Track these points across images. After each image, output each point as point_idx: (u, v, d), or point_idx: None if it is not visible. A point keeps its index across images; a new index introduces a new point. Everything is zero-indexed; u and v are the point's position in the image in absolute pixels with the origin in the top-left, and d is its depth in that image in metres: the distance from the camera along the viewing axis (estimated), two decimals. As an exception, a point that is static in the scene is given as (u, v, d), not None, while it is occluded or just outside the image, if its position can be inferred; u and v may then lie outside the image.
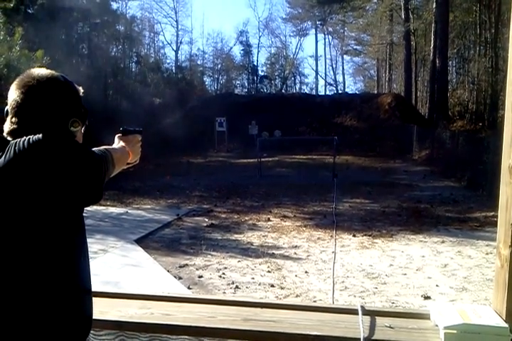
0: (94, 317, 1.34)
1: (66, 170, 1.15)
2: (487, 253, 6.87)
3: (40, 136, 1.16)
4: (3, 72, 12.00)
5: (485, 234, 7.94)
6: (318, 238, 8.01)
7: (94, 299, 1.35)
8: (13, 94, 1.27)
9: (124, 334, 1.61)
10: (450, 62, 29.99)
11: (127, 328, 1.60)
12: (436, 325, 1.50)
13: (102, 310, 1.60)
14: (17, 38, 13.21)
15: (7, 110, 1.28)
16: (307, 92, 37.73)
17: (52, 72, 1.34)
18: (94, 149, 1.31)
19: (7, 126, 1.27)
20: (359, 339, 1.43)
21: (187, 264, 6.62)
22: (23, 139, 1.16)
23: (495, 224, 1.59)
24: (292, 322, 1.56)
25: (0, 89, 10.53)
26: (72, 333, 1.23)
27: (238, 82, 45.49)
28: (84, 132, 1.41)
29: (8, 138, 1.24)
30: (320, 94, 38.18)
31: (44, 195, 1.14)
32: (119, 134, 1.63)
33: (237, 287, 5.69)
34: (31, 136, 1.16)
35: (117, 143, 1.60)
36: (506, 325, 1.41)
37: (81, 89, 1.40)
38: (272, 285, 5.73)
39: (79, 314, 1.26)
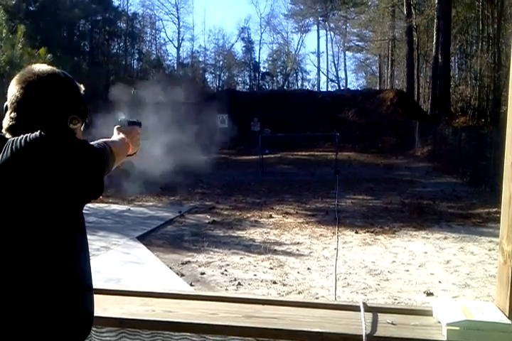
0: (95, 314, 1.33)
1: (64, 167, 1.15)
2: (490, 250, 6.86)
3: (37, 133, 1.15)
4: (5, 70, 12.00)
5: (488, 230, 7.92)
6: (321, 234, 8.00)
7: (95, 296, 1.35)
8: (13, 90, 1.27)
9: (125, 331, 1.60)
10: (452, 58, 29.89)
11: (129, 325, 1.59)
12: (439, 322, 1.50)
13: (103, 307, 1.60)
14: (19, 35, 13.17)
15: (6, 105, 1.27)
16: (309, 89, 37.73)
17: (54, 68, 1.33)
18: (93, 143, 1.30)
19: (6, 122, 1.26)
20: (361, 335, 1.42)
21: (189, 261, 6.62)
22: (20, 137, 1.15)
23: (498, 220, 1.58)
24: (294, 318, 1.56)
25: (2, 87, 10.53)
26: (73, 330, 1.23)
27: (240, 79, 45.58)
28: (84, 129, 1.40)
29: (7, 135, 1.24)
30: (322, 90, 38.27)
31: (43, 193, 1.14)
32: (117, 126, 1.62)
33: (239, 284, 5.69)
34: (28, 134, 1.15)
35: (116, 135, 1.59)
36: (509, 322, 1.40)
37: (82, 87, 1.39)
38: (274, 282, 5.72)
39: (79, 311, 1.26)
